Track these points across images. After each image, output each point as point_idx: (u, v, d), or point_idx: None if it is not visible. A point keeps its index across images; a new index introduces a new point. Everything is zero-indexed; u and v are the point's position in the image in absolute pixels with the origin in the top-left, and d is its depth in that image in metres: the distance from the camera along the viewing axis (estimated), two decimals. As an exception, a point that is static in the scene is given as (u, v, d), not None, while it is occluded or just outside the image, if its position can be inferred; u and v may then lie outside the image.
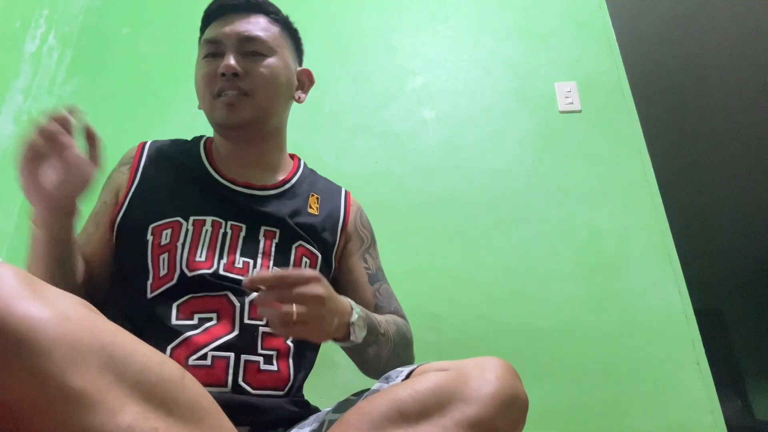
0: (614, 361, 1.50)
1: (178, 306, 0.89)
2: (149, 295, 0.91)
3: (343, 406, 0.83)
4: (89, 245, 1.01)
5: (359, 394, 0.86)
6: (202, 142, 1.14)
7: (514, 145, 1.83)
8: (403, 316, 1.14)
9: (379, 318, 0.99)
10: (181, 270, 0.92)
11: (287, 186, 1.12)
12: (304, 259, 1.05)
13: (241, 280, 0.92)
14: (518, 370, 0.77)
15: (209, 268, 0.93)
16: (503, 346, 1.54)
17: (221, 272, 0.94)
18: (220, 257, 0.95)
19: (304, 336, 0.78)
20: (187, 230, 0.96)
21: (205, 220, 0.98)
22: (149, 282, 0.92)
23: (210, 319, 0.89)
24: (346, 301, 0.89)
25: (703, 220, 4.48)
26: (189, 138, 1.19)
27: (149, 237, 0.96)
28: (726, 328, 5.04)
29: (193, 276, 0.92)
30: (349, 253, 1.15)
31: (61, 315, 0.50)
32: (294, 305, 0.74)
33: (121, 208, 1.01)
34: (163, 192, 1.02)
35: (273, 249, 1.01)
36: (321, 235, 1.10)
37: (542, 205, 1.73)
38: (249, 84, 1.03)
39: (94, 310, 0.59)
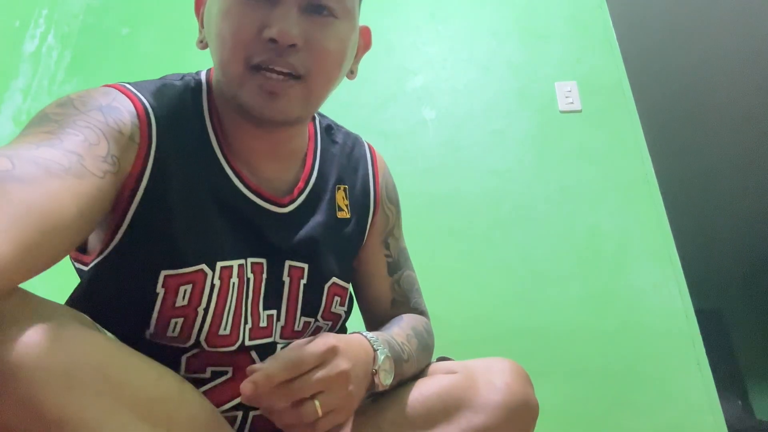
0: (614, 361, 1.50)
1: (187, 358, 0.71)
2: (148, 338, 0.69)
3: None
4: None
5: None
6: (208, 118, 0.77)
7: (514, 145, 1.82)
8: (423, 312, 0.97)
9: (399, 339, 0.79)
10: (197, 341, 0.70)
11: (312, 182, 0.85)
12: (336, 299, 0.84)
13: (266, 344, 0.75)
14: (518, 370, 0.76)
15: (234, 344, 0.72)
16: (503, 345, 1.53)
17: (247, 343, 0.73)
18: (245, 321, 0.73)
19: (333, 425, 0.61)
20: (212, 287, 0.70)
21: (231, 268, 0.72)
22: (149, 332, 0.69)
23: (225, 373, 0.72)
24: (365, 342, 0.71)
25: (703, 219, 4.47)
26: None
27: (159, 290, 0.67)
28: (726, 328, 5.03)
29: (213, 350, 0.71)
30: (370, 238, 0.93)
31: (53, 337, 0.47)
32: (316, 399, 0.58)
33: (123, 219, 0.67)
34: (179, 214, 0.69)
35: (301, 292, 0.79)
36: (353, 246, 0.90)
37: (542, 205, 1.72)
38: (306, 63, 0.69)
39: (87, 322, 0.56)
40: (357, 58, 0.85)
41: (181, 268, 0.68)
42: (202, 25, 0.79)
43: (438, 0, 2.12)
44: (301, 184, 0.83)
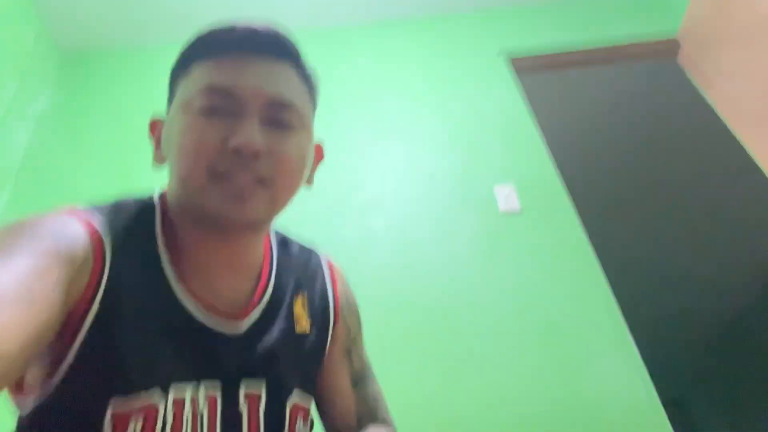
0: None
1: None
2: None
3: None
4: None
5: None
6: (161, 238, 0.74)
7: (462, 248, 1.86)
8: (388, 423, 0.92)
9: None
10: None
11: (268, 294, 0.81)
12: (299, 419, 0.79)
13: None
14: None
15: None
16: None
17: None
18: None
19: None
20: (165, 422, 0.64)
21: (183, 400, 0.67)
22: None
23: None
24: None
25: (656, 306, 4.55)
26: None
27: (106, 425, 0.61)
28: (692, 418, 5.00)
29: None
30: (331, 350, 0.89)
31: None
32: None
33: (69, 347, 0.62)
34: (130, 340, 0.65)
35: (261, 417, 0.74)
36: (314, 357, 0.86)
37: (495, 306, 1.74)
38: (270, 169, 0.70)
39: None
40: (313, 168, 0.85)
41: (132, 393, 0.62)
42: (158, 145, 0.79)
43: (378, 119, 2.25)
44: (257, 298, 0.79)
